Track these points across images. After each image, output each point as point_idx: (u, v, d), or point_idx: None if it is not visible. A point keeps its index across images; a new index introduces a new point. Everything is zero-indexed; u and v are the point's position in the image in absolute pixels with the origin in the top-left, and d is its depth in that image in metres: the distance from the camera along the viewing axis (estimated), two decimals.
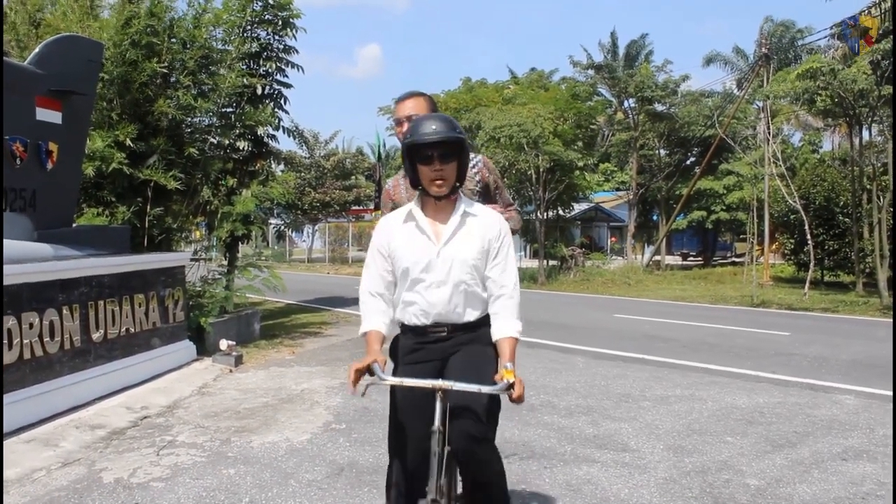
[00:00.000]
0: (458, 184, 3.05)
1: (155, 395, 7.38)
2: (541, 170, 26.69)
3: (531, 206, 29.37)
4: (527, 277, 25.38)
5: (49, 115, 7.45)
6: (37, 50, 7.54)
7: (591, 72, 35.93)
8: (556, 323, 14.29)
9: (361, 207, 43.67)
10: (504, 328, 3.00)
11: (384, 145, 30.59)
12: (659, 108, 34.61)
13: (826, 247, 24.89)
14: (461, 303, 3.05)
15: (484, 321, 3.09)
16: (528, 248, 38.58)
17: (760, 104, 26.51)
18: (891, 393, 7.63)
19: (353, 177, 44.64)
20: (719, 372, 8.98)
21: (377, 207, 32.97)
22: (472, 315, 3.08)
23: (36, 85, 7.26)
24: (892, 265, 19.92)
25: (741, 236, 39.94)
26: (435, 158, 2.92)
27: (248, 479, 4.98)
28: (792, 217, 25.06)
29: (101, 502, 4.58)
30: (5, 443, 5.55)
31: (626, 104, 36.52)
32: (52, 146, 7.51)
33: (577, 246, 33.83)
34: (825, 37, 22.04)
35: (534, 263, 30.35)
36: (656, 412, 6.96)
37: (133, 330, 7.87)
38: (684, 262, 42.26)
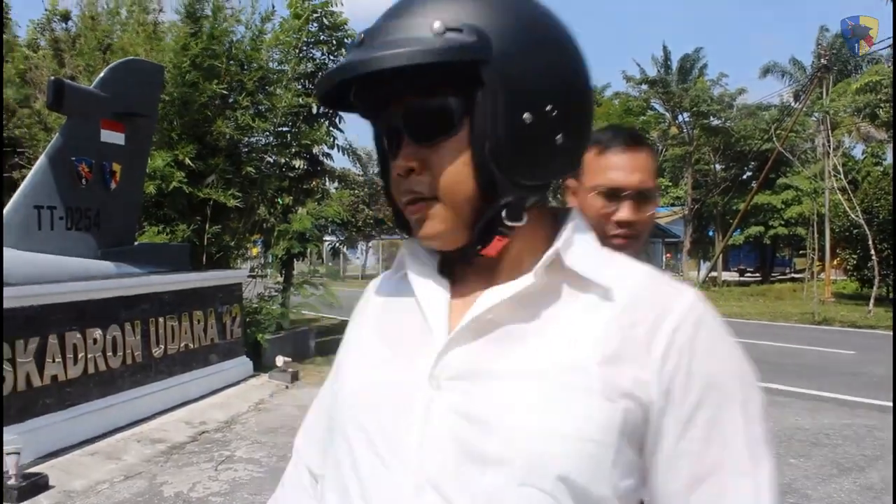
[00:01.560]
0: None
1: (213, 411, 7.51)
2: None
3: None
4: None
5: (113, 137, 7.66)
6: (101, 74, 7.77)
7: (644, 86, 35.70)
8: None
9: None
10: None
11: None
12: (714, 122, 34.20)
13: (892, 262, 24.24)
14: None
15: None
16: None
17: (820, 116, 26.02)
18: None
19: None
20: (780, 391, 8.79)
21: None
22: None
23: (100, 108, 7.47)
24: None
25: (800, 252, 39.12)
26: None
27: None
28: (855, 232, 24.46)
29: None
30: (70, 455, 5.74)
31: (680, 118, 36.17)
32: (116, 167, 7.71)
33: None
34: (886, 46, 21.59)
35: None
36: None
37: (192, 346, 8.03)
38: (741, 279, 41.55)
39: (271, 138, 12.02)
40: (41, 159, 7.01)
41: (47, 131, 11.55)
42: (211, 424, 7.02)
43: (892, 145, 19.15)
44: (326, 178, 15.29)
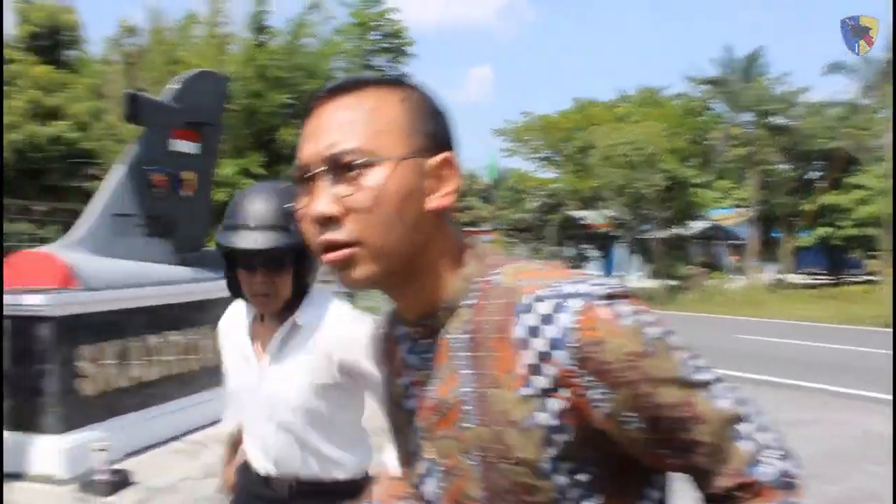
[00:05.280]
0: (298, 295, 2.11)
1: None
2: (656, 188, 26.32)
3: (648, 224, 28.96)
4: (645, 298, 24.93)
5: (184, 146, 7.90)
6: (172, 85, 8.03)
7: (705, 87, 35.20)
8: None
9: (477, 229, 44.01)
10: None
11: (497, 167, 30.85)
12: (778, 121, 33.53)
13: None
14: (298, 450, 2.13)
15: (351, 486, 2.06)
16: (646, 268, 37.96)
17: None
18: None
19: (467, 198, 45.08)
20: (855, 396, 8.62)
21: (494, 229, 32.86)
22: (323, 471, 2.14)
23: (172, 118, 7.72)
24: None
25: (872, 253, 38.06)
26: (257, 267, 2.01)
27: None
28: None
29: None
30: (155, 452, 5.97)
31: (743, 118, 35.54)
32: (188, 175, 7.96)
33: (698, 265, 33.07)
34: None
35: (651, 283, 29.82)
36: (790, 437, 6.74)
37: None
38: (810, 281, 40.59)
39: None
40: (118, 169, 7.28)
41: (120, 143, 11.97)
42: None
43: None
44: None
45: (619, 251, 34.66)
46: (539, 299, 0.95)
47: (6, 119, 15.33)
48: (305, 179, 1.00)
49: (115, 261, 6.74)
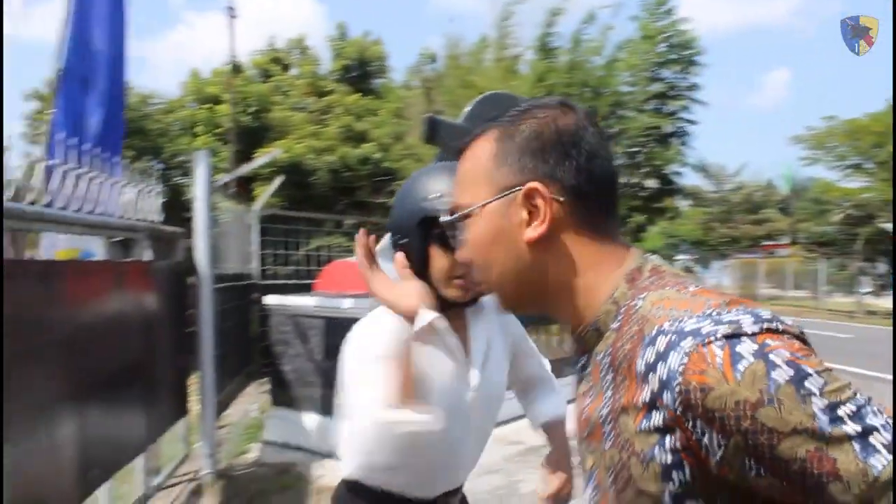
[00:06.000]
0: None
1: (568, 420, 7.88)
2: None
3: None
4: None
5: None
6: (466, 109, 8.59)
7: None
8: None
9: (774, 242, 41.55)
10: (550, 406, 2.17)
11: (794, 176, 28.94)
12: None
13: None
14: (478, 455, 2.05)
15: None
16: None
17: None
18: None
19: (763, 210, 42.69)
20: None
21: (793, 242, 30.68)
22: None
23: (466, 138, 8.25)
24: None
25: None
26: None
27: None
28: None
29: None
30: None
31: None
32: None
33: None
34: None
35: None
36: None
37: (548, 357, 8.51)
38: None
39: (622, 159, 12.32)
40: None
41: (419, 161, 12.92)
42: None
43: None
44: (678, 197, 15.26)
45: None
46: (661, 333, 0.91)
47: (324, 143, 17.19)
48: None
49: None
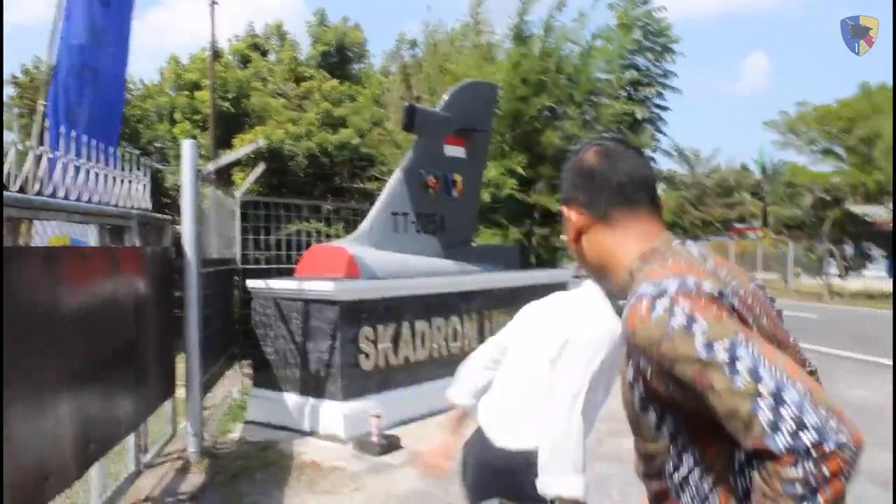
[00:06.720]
0: None
1: None
2: None
3: None
4: None
5: (455, 151, 8.62)
6: (444, 97, 8.78)
7: None
8: None
9: (745, 226, 42.03)
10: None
11: (765, 160, 29.28)
12: None
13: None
14: None
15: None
16: None
17: None
18: None
19: (737, 193, 43.10)
20: None
21: (765, 225, 30.87)
22: None
23: (445, 127, 8.44)
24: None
25: None
26: None
27: (616, 477, 5.38)
28: None
29: None
30: (420, 423, 6.75)
31: None
32: (457, 177, 8.67)
33: None
34: None
35: None
36: None
37: None
38: None
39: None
40: (396, 172, 8.14)
41: (397, 148, 13.08)
42: None
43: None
44: None
45: None
46: (633, 294, 1.33)
47: (302, 129, 17.29)
48: None
49: (393, 254, 7.63)
